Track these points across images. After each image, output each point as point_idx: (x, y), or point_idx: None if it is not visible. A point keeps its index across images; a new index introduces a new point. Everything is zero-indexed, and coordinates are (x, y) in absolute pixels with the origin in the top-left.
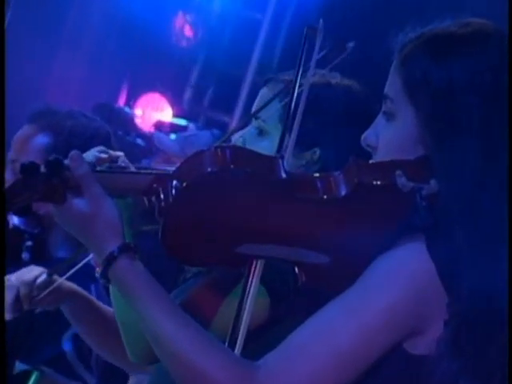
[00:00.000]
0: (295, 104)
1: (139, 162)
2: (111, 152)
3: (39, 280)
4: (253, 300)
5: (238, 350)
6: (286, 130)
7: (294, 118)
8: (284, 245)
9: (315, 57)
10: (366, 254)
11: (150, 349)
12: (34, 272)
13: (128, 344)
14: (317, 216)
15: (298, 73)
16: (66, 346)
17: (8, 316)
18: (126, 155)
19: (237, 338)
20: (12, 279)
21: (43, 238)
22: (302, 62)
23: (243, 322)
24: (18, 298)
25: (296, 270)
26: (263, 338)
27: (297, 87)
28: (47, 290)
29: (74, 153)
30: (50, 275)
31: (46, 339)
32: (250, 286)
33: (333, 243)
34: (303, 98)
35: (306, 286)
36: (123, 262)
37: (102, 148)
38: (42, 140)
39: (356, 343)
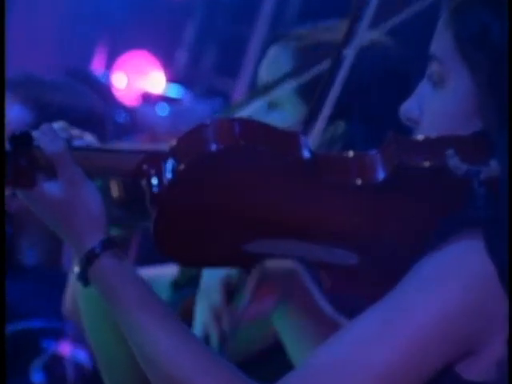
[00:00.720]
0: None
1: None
2: (74, 131)
3: None
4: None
5: None
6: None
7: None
8: (306, 241)
9: None
10: (408, 252)
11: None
12: None
13: (104, 370)
14: (348, 205)
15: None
16: (36, 378)
17: None
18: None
19: None
20: None
21: (12, 240)
22: None
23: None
24: None
25: (320, 272)
26: (278, 359)
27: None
28: None
29: (45, 125)
30: None
31: (10, 369)
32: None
33: (368, 239)
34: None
35: (333, 292)
36: (107, 261)
37: (61, 124)
38: (20, 114)
39: (398, 363)
